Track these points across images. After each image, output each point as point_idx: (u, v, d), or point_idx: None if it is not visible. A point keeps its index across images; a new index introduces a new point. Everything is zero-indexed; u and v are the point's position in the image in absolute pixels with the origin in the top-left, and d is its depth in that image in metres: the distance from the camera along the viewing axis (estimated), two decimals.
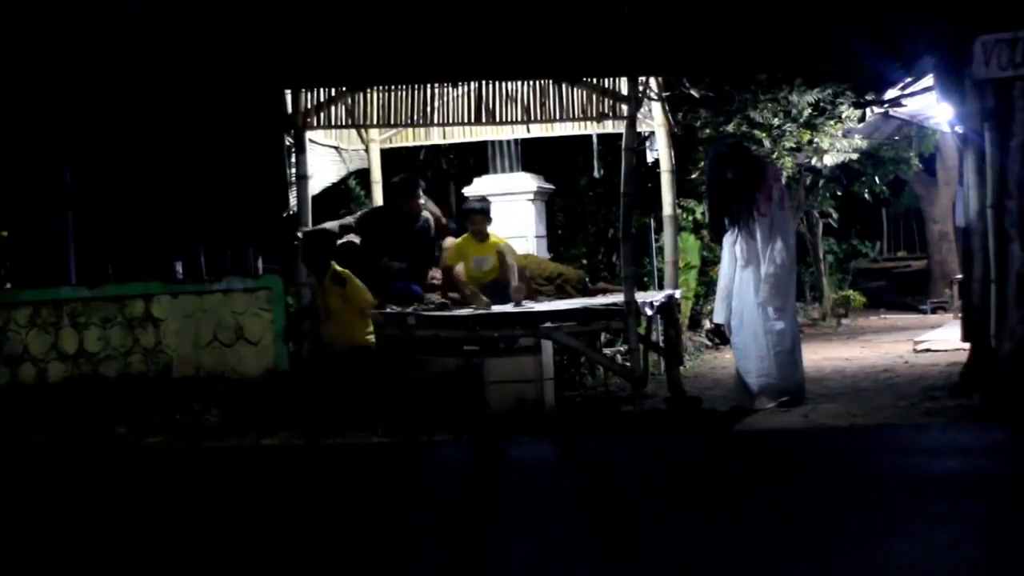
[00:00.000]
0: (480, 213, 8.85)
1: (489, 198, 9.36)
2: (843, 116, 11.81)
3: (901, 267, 20.40)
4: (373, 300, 8.23)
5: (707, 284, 12.43)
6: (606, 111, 8.51)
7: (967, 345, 8.57)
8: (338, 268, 8.25)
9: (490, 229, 9.00)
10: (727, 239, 8.43)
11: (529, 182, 10.00)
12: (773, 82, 11.46)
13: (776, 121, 11.65)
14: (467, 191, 10.04)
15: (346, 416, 8.08)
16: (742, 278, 8.32)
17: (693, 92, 11.06)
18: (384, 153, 10.16)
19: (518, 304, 8.34)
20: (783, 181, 10.19)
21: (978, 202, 7.92)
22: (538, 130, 9.72)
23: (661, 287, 10.18)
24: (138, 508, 5.83)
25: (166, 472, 7.17)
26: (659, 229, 11.07)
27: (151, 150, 9.16)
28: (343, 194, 11.14)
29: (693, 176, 12.08)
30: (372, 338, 8.24)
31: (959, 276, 12.90)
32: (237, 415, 8.61)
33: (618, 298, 8.21)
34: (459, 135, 10.10)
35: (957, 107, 8.32)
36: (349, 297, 8.19)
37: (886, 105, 11.75)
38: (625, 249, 8.23)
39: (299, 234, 8.29)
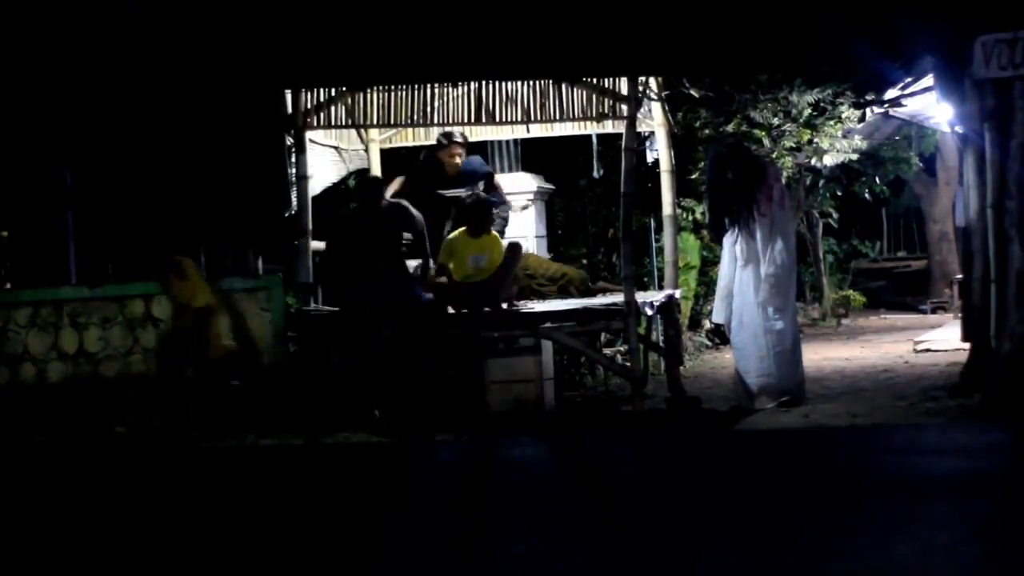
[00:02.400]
0: (477, 208, 8.78)
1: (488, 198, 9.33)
2: (843, 116, 11.83)
3: (901, 267, 20.38)
4: (207, 299, 8.27)
5: (707, 284, 12.43)
6: (606, 111, 8.51)
7: (967, 345, 8.57)
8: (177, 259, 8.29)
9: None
10: (727, 239, 8.43)
11: (529, 182, 10.01)
12: (773, 82, 11.47)
13: (776, 121, 11.67)
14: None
15: (346, 416, 8.08)
16: (742, 278, 8.32)
17: (693, 92, 11.07)
18: (384, 153, 10.16)
19: (500, 303, 8.30)
20: (783, 181, 10.19)
21: (978, 202, 7.92)
22: (538, 130, 9.72)
23: (661, 287, 10.18)
24: (138, 508, 5.83)
25: (166, 472, 7.16)
26: (659, 229, 11.07)
27: (151, 150, 9.15)
28: (343, 194, 11.13)
29: (693, 176, 12.09)
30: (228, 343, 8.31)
31: (959, 276, 12.90)
32: (236, 415, 8.60)
33: (618, 298, 8.22)
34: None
35: (957, 107, 8.32)
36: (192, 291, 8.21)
37: (886, 105, 11.75)
38: (625, 249, 8.24)
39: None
